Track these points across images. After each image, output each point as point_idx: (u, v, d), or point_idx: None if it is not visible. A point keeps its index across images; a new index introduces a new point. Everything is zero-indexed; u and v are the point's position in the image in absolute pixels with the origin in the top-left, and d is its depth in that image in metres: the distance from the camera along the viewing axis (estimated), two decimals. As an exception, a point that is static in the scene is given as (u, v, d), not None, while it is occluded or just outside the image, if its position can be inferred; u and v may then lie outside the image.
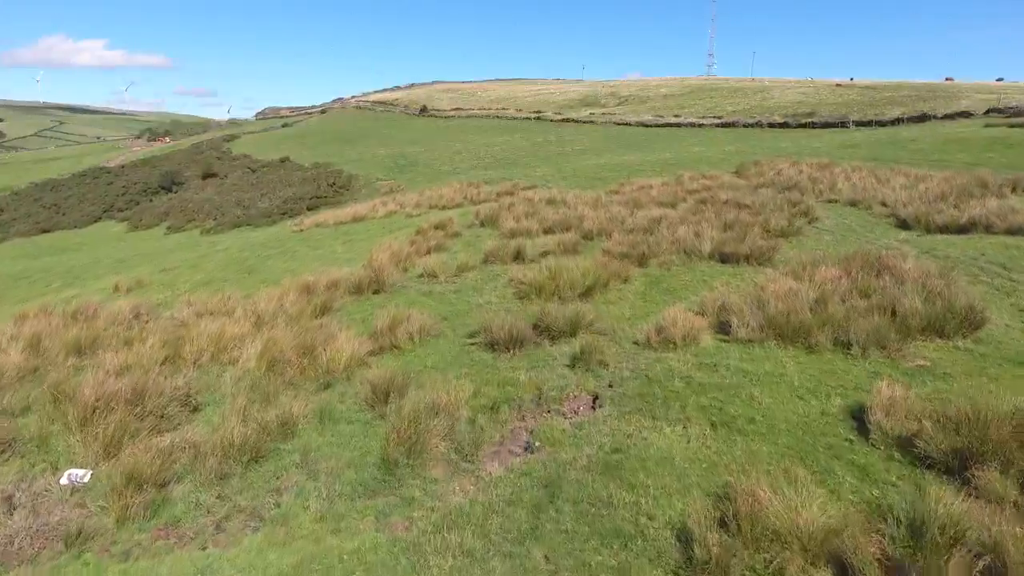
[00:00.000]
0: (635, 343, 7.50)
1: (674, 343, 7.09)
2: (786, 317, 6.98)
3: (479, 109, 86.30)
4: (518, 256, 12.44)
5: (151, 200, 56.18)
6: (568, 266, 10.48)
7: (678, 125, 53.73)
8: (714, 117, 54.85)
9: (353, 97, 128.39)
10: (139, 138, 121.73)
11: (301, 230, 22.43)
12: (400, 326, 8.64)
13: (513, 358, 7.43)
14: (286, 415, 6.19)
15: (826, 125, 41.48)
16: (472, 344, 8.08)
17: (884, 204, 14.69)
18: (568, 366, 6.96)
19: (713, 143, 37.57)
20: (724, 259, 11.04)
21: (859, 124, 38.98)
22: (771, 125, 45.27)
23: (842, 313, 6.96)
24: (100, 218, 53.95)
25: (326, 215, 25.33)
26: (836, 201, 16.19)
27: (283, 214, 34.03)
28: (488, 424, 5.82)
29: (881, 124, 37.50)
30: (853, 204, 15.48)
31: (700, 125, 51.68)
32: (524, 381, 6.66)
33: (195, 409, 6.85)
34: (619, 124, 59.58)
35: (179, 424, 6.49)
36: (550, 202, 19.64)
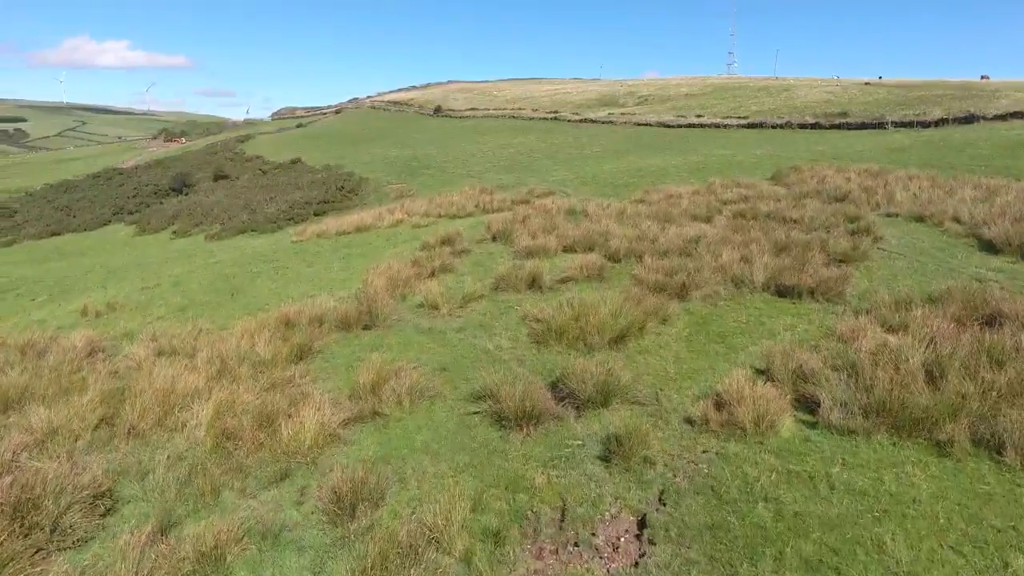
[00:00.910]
0: (687, 421, 5.72)
1: (742, 428, 5.29)
2: (897, 396, 5.15)
3: (494, 109, 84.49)
4: (534, 283, 10.68)
5: (161, 202, 55.20)
6: (594, 302, 8.70)
7: (701, 126, 51.49)
8: (738, 117, 52.54)
9: (368, 97, 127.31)
10: (155, 138, 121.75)
11: (301, 240, 20.85)
12: (387, 383, 6.93)
13: (527, 440, 5.68)
14: (216, 537, 4.49)
15: (862, 126, 39.08)
16: (475, 413, 6.34)
17: (957, 220, 12.71)
18: (600, 459, 5.20)
19: (741, 145, 35.46)
20: (782, 292, 9.18)
21: (898, 125, 36.57)
22: (801, 126, 42.90)
23: (976, 393, 5.11)
24: (110, 221, 53.04)
25: (329, 223, 23.76)
26: (896, 215, 14.22)
27: (289, 219, 32.53)
28: (489, 569, 4.07)
29: (924, 125, 35.08)
30: (919, 219, 13.51)
31: (725, 126, 49.42)
32: (541, 484, 4.91)
33: (107, 512, 5.19)
34: (639, 125, 57.44)
35: (77, 541, 4.82)
36: (570, 213, 17.85)
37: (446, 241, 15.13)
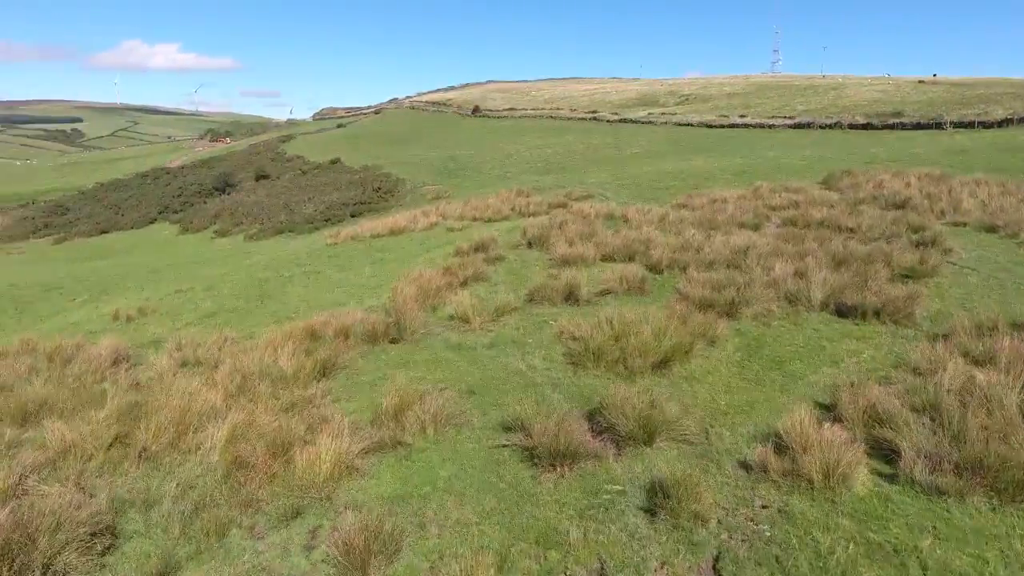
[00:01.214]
0: (743, 466, 5.06)
1: (808, 479, 4.62)
2: (995, 450, 4.40)
3: (532, 109, 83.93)
4: (570, 295, 10.08)
5: (205, 202, 56.36)
6: (635, 319, 8.08)
7: (745, 126, 49.96)
8: (785, 117, 50.80)
9: (408, 98, 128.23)
10: (201, 139, 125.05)
11: (335, 243, 20.69)
12: (411, 408, 6.44)
13: (561, 482, 5.11)
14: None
15: (917, 126, 37.19)
16: (504, 446, 5.80)
17: (1036, 232, 11.63)
18: (644, 511, 4.60)
19: (789, 147, 34.10)
20: (842, 311, 8.39)
21: (957, 126, 34.62)
22: (852, 126, 41.12)
23: (1094, 449, 4.33)
24: (155, 219, 54.44)
25: (364, 225, 23.59)
26: (964, 225, 13.17)
27: (326, 220, 32.64)
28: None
29: (986, 126, 33.10)
30: (990, 230, 12.44)
31: (770, 126, 47.80)
32: (576, 540, 4.34)
33: (107, 550, 4.83)
34: (680, 125, 56.11)
35: (71, 585, 4.46)
36: (608, 218, 17.19)
37: (480, 247, 14.64)
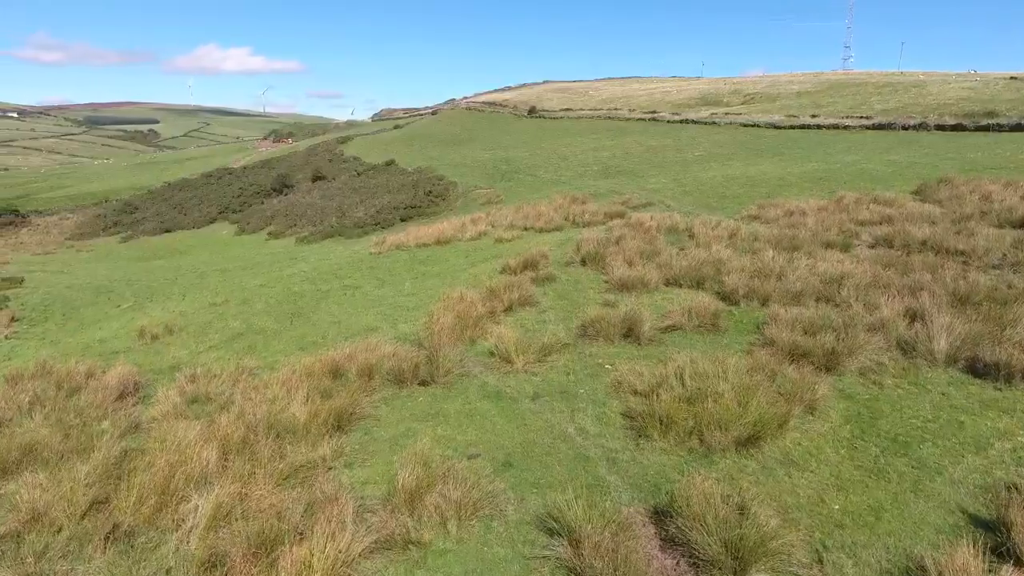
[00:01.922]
0: (881, 629, 3.58)
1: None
2: None
3: (590, 110, 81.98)
4: (630, 331, 8.65)
5: (263, 202, 57.23)
6: (711, 372, 6.61)
7: (817, 127, 46.73)
8: (861, 117, 47.33)
9: (464, 98, 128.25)
10: (265, 139, 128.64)
11: (379, 252, 19.82)
12: (432, 490, 5.21)
13: (619, 631, 3.75)
14: None
15: (1017, 127, 33.53)
16: (544, 557, 4.48)
17: None
18: None
19: (869, 150, 31.31)
20: (977, 370, 6.66)
21: (1066, 126, 31.01)
22: (940, 127, 37.62)
23: None
24: (216, 219, 55.59)
25: (411, 233, 22.67)
26: (1108, 249, 10.98)
27: (375, 224, 32.06)
28: None
29: (1102, 127, 29.47)
30: None
31: (845, 127, 44.53)
32: None
33: None
34: (746, 126, 53.20)
35: None
36: (672, 231, 15.57)
37: (528, 264, 13.35)
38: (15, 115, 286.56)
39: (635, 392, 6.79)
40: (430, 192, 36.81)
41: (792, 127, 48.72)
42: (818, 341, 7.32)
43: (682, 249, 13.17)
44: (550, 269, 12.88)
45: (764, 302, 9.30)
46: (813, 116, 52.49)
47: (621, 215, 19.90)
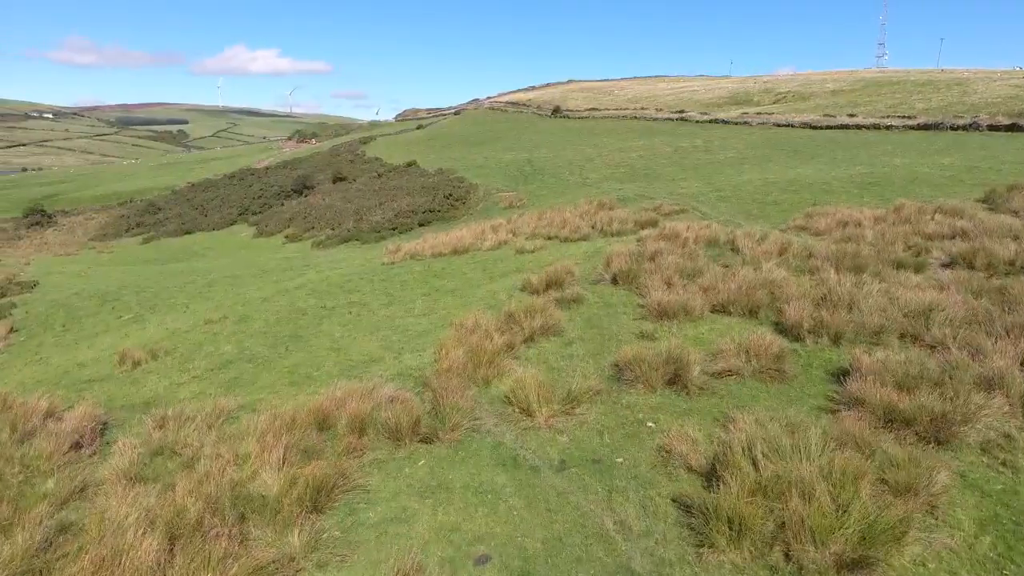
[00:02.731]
0: None
1: None
2: None
3: (615, 109, 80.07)
4: (676, 376, 7.18)
5: (283, 204, 56.60)
6: (789, 447, 5.13)
7: (856, 127, 44.41)
8: (902, 117, 44.88)
9: (488, 98, 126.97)
10: (289, 140, 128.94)
11: (392, 263, 18.57)
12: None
13: None
14: None
15: (1079, 127, 31.23)
16: None
17: None
18: None
19: (917, 152, 29.22)
20: None
21: None
22: (993, 127, 35.21)
23: None
24: (235, 221, 55.13)
25: (427, 240, 21.41)
26: None
27: (392, 228, 30.86)
28: None
29: None
30: None
31: (887, 127, 42.19)
32: None
33: None
34: (779, 126, 51.03)
35: None
36: (711, 244, 14.01)
37: (553, 282, 11.93)
38: (50, 116, 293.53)
39: (689, 468, 5.34)
40: (450, 195, 35.54)
41: (829, 127, 46.50)
42: (920, 401, 5.78)
43: (727, 267, 11.63)
44: (577, 288, 11.44)
45: (836, 340, 7.76)
46: (851, 115, 50.21)
47: (653, 223, 18.36)
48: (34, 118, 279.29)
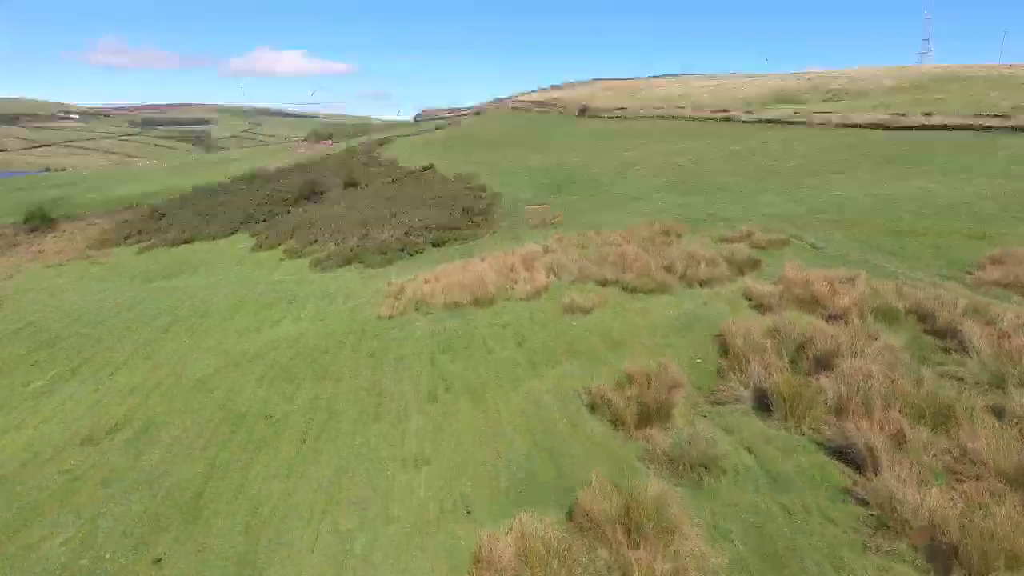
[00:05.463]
0: None
1: None
2: None
3: (646, 108, 74.44)
4: None
5: (288, 211, 52.08)
6: None
7: (943, 127, 38.34)
8: (995, 116, 38.84)
9: (511, 98, 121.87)
10: (304, 140, 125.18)
11: (391, 315, 13.56)
12: None
13: None
14: None
15: None
16: None
17: None
18: None
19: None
20: None
21: None
22: None
23: None
24: (237, 229, 50.68)
25: (440, 277, 16.37)
26: None
27: (401, 250, 25.85)
28: None
29: None
30: None
31: (986, 127, 36.11)
32: None
33: None
34: (844, 126, 45.13)
35: None
36: (887, 317, 8.65)
37: (648, 406, 6.71)
38: (76, 116, 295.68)
39: None
40: (469, 210, 30.46)
41: (908, 128, 40.48)
42: None
43: (941, 375, 6.30)
44: (685, 414, 6.22)
45: None
46: (927, 115, 44.12)
47: (754, 265, 13.02)
48: (61, 118, 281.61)
